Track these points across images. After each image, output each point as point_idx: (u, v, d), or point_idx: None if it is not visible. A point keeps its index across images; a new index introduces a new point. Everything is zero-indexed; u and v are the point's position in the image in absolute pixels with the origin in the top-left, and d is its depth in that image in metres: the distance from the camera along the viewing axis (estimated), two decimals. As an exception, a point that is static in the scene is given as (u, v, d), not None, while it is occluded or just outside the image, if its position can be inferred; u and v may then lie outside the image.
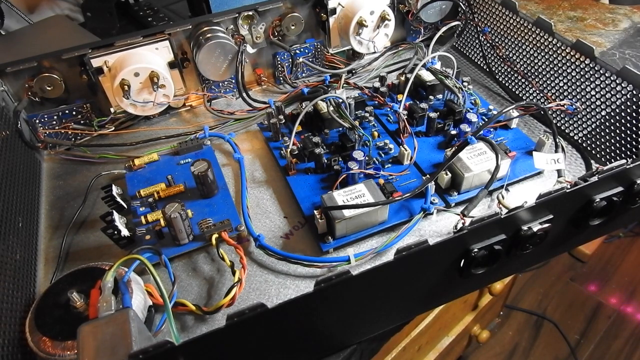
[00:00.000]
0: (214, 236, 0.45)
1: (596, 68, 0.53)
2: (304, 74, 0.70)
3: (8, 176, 0.48)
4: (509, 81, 0.66)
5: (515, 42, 0.64)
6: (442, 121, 0.57)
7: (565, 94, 0.58)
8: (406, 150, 0.52)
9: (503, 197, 0.49)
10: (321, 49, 0.68)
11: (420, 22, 0.72)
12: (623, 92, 0.51)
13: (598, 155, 0.55)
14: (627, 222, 0.48)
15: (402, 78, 0.64)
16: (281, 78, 0.69)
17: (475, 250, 0.37)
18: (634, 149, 0.51)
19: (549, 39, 0.59)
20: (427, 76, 0.62)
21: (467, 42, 0.73)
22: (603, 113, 0.54)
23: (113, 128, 0.60)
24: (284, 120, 0.58)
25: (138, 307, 0.38)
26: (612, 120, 0.53)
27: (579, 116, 0.57)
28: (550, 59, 0.59)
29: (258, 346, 0.32)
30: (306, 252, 0.46)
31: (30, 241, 0.47)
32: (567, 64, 0.57)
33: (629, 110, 0.51)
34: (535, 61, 0.61)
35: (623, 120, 0.52)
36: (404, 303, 0.40)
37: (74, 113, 0.59)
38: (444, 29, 0.67)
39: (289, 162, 0.53)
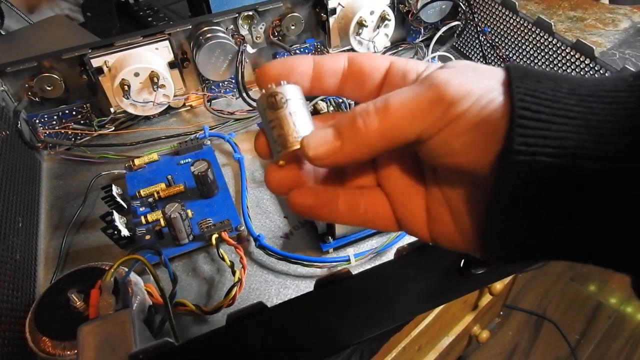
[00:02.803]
0: (214, 236, 0.45)
1: (596, 68, 0.53)
2: (304, 74, 0.70)
3: (8, 176, 0.48)
4: (509, 81, 0.66)
5: (515, 42, 0.64)
6: (442, 121, 0.56)
7: (565, 94, 0.58)
8: (406, 150, 0.52)
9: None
10: (321, 49, 0.68)
11: (420, 22, 0.72)
12: (623, 92, 0.51)
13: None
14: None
15: (402, 78, 0.63)
16: (281, 78, 0.69)
17: (475, 250, 0.37)
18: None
19: (549, 39, 0.59)
20: (427, 76, 0.62)
21: (467, 42, 0.73)
22: (603, 113, 0.54)
23: (113, 128, 0.60)
24: (284, 120, 0.58)
25: (138, 307, 0.38)
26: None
27: (579, 116, 0.56)
28: (550, 59, 0.59)
29: (258, 346, 0.32)
30: (306, 252, 0.46)
31: (30, 241, 0.47)
32: (567, 64, 0.57)
33: (629, 110, 0.51)
34: (535, 61, 0.61)
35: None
36: (404, 303, 0.40)
37: (74, 113, 0.59)
38: (444, 29, 0.67)
39: (289, 162, 0.53)
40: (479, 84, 0.18)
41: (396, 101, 0.19)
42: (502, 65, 0.66)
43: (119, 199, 0.48)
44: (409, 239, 0.46)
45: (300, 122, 0.20)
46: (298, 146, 0.20)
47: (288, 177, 0.22)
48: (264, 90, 0.21)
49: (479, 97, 0.18)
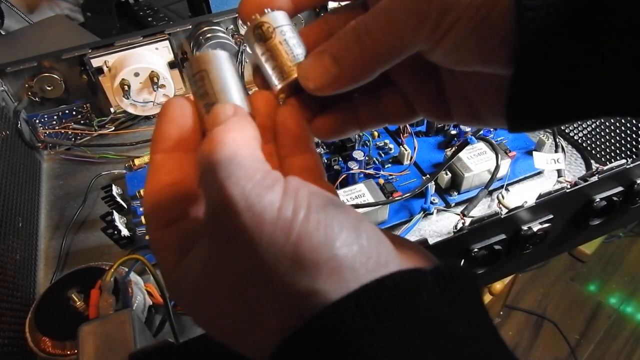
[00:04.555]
0: (214, 236, 0.45)
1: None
2: (304, 74, 0.70)
3: (8, 176, 0.48)
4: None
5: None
6: (442, 121, 0.56)
7: (565, 94, 0.58)
8: (406, 150, 0.52)
9: (503, 197, 0.49)
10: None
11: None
12: (623, 92, 0.51)
13: (598, 155, 0.55)
14: (627, 222, 0.48)
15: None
16: (281, 78, 0.69)
17: (475, 250, 0.37)
18: (633, 149, 0.51)
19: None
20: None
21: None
22: (603, 113, 0.54)
23: (113, 128, 0.60)
24: (284, 120, 0.58)
25: (138, 307, 0.38)
26: (612, 120, 0.53)
27: (579, 116, 0.56)
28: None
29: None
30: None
31: (30, 241, 0.47)
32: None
33: (629, 110, 0.51)
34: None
35: (623, 120, 0.52)
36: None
37: (74, 113, 0.59)
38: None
39: (289, 162, 0.53)
40: None
41: (387, 16, 0.17)
42: None
43: (119, 199, 0.48)
44: (408, 239, 0.46)
45: (292, 50, 0.19)
46: (295, 75, 0.19)
47: (303, 108, 0.21)
48: (249, 24, 0.20)
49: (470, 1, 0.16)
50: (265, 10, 0.19)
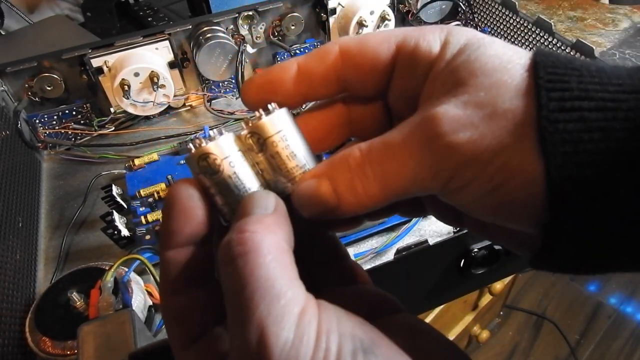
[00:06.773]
0: (214, 236, 0.45)
1: (596, 68, 0.53)
2: (304, 74, 0.70)
3: (8, 176, 0.48)
4: (509, 81, 0.66)
5: (515, 42, 0.64)
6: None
7: (565, 94, 0.58)
8: (406, 150, 0.52)
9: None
10: (321, 49, 0.68)
11: (420, 22, 0.72)
12: (623, 92, 0.51)
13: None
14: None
15: (402, 78, 0.63)
16: (281, 78, 0.69)
17: (475, 250, 0.37)
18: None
19: (549, 39, 0.59)
20: (427, 76, 0.62)
21: (467, 42, 0.73)
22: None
23: (113, 128, 0.60)
24: (284, 120, 0.58)
25: (138, 307, 0.38)
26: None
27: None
28: (550, 59, 0.59)
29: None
30: (306, 252, 0.46)
31: (30, 241, 0.47)
32: (567, 64, 0.57)
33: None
34: (535, 61, 0.61)
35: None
36: (404, 303, 0.40)
37: (74, 113, 0.59)
38: (444, 29, 0.67)
39: (289, 162, 0.52)
40: (492, 135, 0.15)
41: (398, 160, 0.16)
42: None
43: (119, 199, 0.48)
44: (408, 239, 0.46)
45: (282, 166, 0.18)
46: (288, 193, 0.18)
47: None
48: (243, 125, 0.18)
49: (490, 158, 0.15)
50: (257, 113, 0.18)
